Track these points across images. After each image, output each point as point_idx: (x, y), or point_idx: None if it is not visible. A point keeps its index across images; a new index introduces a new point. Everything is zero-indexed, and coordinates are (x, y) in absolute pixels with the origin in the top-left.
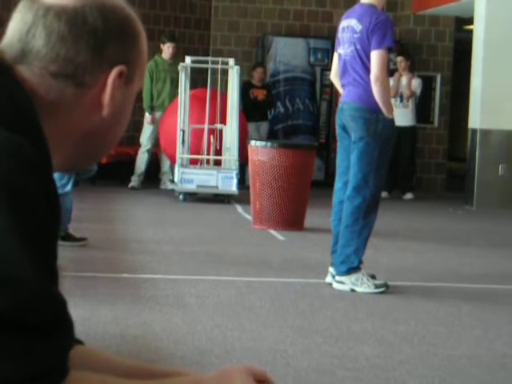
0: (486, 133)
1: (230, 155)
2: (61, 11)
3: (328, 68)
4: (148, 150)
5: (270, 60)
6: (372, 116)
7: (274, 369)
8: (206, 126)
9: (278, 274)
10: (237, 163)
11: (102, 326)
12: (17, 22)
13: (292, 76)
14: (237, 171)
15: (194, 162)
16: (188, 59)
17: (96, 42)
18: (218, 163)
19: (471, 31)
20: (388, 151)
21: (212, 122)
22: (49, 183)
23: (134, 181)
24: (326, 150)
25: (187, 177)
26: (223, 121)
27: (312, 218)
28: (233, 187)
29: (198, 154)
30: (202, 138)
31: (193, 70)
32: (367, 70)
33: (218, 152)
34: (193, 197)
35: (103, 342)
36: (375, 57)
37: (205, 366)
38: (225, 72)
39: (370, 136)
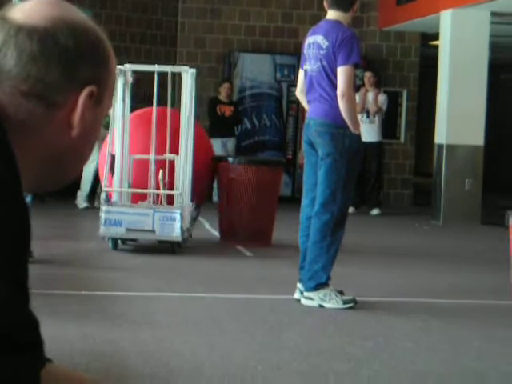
0: (452, 148)
1: (183, 191)
2: (32, 31)
3: (294, 84)
4: (94, 162)
5: (236, 76)
6: (339, 132)
7: None
8: (151, 157)
9: (247, 290)
10: (188, 202)
11: (70, 344)
12: None
13: (258, 92)
14: (180, 211)
15: (135, 200)
16: (128, 65)
17: (67, 63)
18: (170, 202)
19: (437, 47)
20: (355, 167)
21: (160, 150)
22: (19, 201)
23: (80, 202)
24: (293, 166)
25: (113, 217)
26: (175, 149)
27: (279, 233)
28: (174, 232)
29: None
30: (148, 171)
31: (146, 82)
32: (333, 86)
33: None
34: (126, 242)
35: (71, 360)
36: (342, 73)
37: (174, 383)
38: (177, 84)
39: (338, 152)
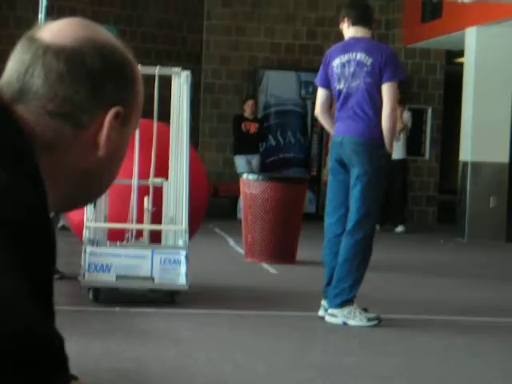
0: (476, 165)
1: (176, 225)
2: (59, 51)
3: None
4: None
5: (261, 93)
6: (375, 150)
7: None
8: (133, 182)
9: (271, 307)
10: (186, 237)
11: (94, 361)
12: (15, 61)
13: (283, 109)
14: (186, 252)
15: (113, 238)
16: None
17: (94, 83)
18: (156, 240)
19: (462, 64)
20: (385, 185)
21: (143, 174)
22: (46, 221)
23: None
24: (318, 183)
25: (100, 260)
26: (162, 172)
27: (304, 250)
28: (179, 278)
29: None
30: (129, 201)
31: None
32: (372, 103)
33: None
34: (111, 294)
35: (96, 377)
36: (388, 89)
37: None
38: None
39: (374, 171)
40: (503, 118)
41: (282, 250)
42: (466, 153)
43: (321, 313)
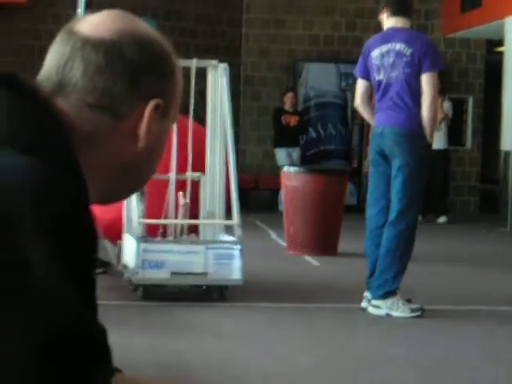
0: None
1: (217, 217)
2: (99, 43)
3: None
4: None
5: (301, 85)
6: (416, 141)
7: None
8: (172, 176)
9: (313, 299)
10: (240, 232)
11: (136, 355)
12: (54, 54)
13: (323, 101)
14: (241, 246)
15: (149, 234)
16: None
17: (133, 75)
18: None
19: (502, 53)
20: (427, 176)
21: (182, 169)
22: (87, 213)
23: None
24: (359, 175)
25: (154, 257)
26: (199, 167)
27: (345, 242)
28: (234, 273)
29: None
30: (164, 197)
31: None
32: (412, 94)
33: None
34: (161, 291)
35: (138, 371)
36: (429, 79)
37: None
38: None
39: (416, 162)
40: None
41: (323, 242)
42: (508, 142)
43: (364, 304)
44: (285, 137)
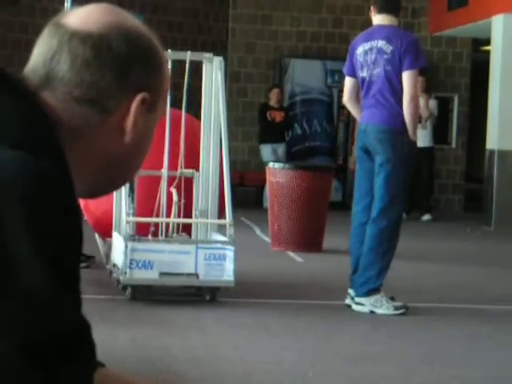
0: (503, 154)
1: (209, 218)
2: (86, 37)
3: None
4: None
5: (287, 82)
6: (398, 138)
7: None
8: (163, 173)
9: (297, 295)
10: (232, 231)
11: (120, 349)
12: (41, 47)
13: (309, 98)
14: (234, 247)
15: (140, 232)
16: None
17: (120, 68)
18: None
19: (488, 52)
20: (410, 173)
21: (173, 166)
22: (71, 205)
23: None
24: (344, 172)
25: (142, 257)
26: (193, 163)
27: (330, 239)
28: (225, 273)
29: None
30: (155, 195)
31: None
32: (393, 91)
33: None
34: (148, 291)
35: (122, 365)
36: (409, 77)
37: None
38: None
39: (397, 158)
40: None
41: (308, 238)
42: (493, 141)
43: (347, 301)
44: (270, 133)
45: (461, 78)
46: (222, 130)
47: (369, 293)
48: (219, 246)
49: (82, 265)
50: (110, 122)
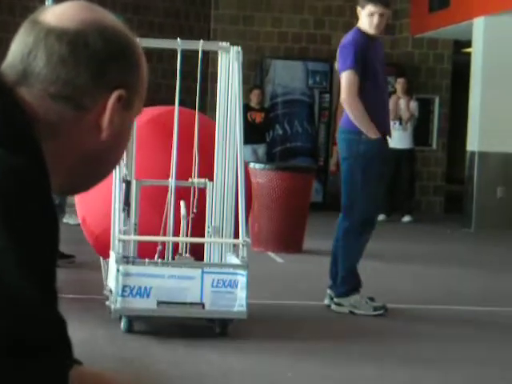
0: (484, 155)
1: (224, 236)
2: (62, 33)
3: (326, 90)
4: None
5: (268, 83)
6: (353, 137)
7: None
8: (171, 183)
9: (277, 296)
10: (245, 252)
11: (99, 348)
12: (18, 44)
13: (290, 99)
14: (247, 271)
15: (143, 255)
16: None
17: (96, 66)
18: (196, 255)
19: (469, 54)
20: (375, 171)
21: (182, 174)
22: (46, 201)
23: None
24: (325, 173)
25: (138, 282)
26: (206, 172)
27: (311, 240)
28: (237, 303)
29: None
30: (163, 209)
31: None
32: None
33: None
34: (147, 322)
35: (101, 365)
36: (341, 79)
37: None
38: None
39: (352, 157)
40: (511, 108)
41: (288, 239)
42: (473, 143)
43: (326, 301)
44: (251, 133)
45: (442, 80)
46: (236, 130)
47: (347, 293)
48: (229, 270)
49: (64, 263)
50: (87, 119)
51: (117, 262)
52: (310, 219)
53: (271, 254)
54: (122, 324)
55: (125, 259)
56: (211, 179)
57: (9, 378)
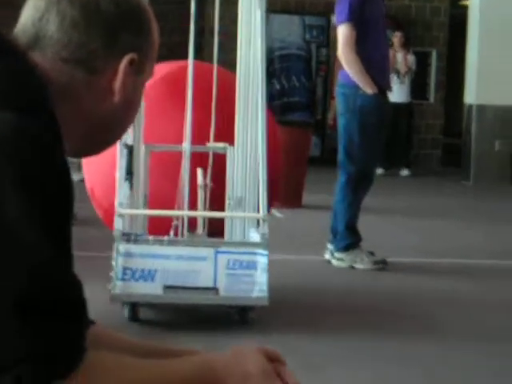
0: (481, 108)
1: (246, 210)
2: None
3: (323, 45)
4: None
5: None
6: (350, 91)
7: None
8: (186, 147)
9: (277, 251)
10: (265, 229)
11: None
12: (30, 8)
13: (287, 53)
14: (267, 251)
15: (154, 231)
16: None
17: (108, 29)
18: (216, 232)
19: (466, 7)
20: (373, 126)
21: (199, 138)
22: (60, 163)
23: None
24: (322, 127)
25: (140, 264)
26: (225, 136)
27: (310, 194)
28: (256, 287)
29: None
30: (177, 178)
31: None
32: None
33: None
34: (154, 308)
35: (108, 322)
36: (338, 31)
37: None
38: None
39: (349, 111)
40: (508, 61)
41: (287, 193)
42: (471, 95)
43: (327, 256)
44: None
45: (439, 33)
46: (258, 86)
47: (347, 247)
48: (247, 249)
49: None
50: (99, 83)
51: (116, 240)
52: (308, 174)
53: (271, 209)
54: (125, 312)
55: (125, 237)
56: (232, 143)
57: (27, 337)
